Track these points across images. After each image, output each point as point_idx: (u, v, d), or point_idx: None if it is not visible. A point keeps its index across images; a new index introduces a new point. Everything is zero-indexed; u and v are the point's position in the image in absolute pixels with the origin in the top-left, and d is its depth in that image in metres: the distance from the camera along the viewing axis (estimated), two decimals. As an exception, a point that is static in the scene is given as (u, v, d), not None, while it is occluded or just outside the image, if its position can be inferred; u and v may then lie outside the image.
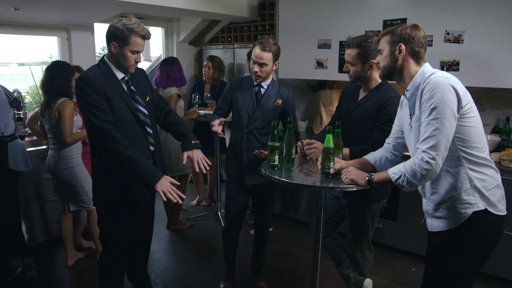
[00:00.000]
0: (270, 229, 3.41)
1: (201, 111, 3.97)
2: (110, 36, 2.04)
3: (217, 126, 2.58)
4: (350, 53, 2.21)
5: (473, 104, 1.67)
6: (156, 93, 2.44)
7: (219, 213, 4.19)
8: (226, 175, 2.81)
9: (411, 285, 3.01)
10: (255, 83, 2.61)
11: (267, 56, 2.49)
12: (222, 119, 2.65)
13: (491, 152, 3.00)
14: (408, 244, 3.38)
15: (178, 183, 2.11)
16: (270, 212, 2.87)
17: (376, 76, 2.21)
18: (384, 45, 1.80)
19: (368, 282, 2.55)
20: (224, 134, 2.66)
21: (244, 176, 2.65)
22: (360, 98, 2.32)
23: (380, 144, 2.08)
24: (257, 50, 2.50)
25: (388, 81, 2.18)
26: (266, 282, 3.00)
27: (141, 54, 2.12)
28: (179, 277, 3.18)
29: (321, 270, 2.95)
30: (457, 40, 3.13)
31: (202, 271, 3.24)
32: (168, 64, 3.76)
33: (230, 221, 2.79)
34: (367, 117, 2.24)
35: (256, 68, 2.52)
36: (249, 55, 3.23)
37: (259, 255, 2.95)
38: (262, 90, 2.62)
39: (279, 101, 2.62)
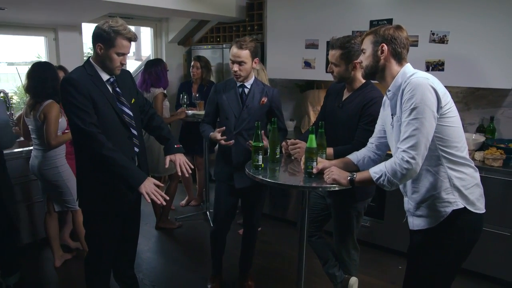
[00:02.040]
0: (259, 229, 3.42)
1: (189, 111, 3.97)
2: (96, 37, 2.04)
3: (218, 136, 2.49)
4: (333, 54, 2.23)
5: (453, 104, 1.70)
6: (142, 95, 2.44)
7: (207, 213, 4.20)
8: (215, 177, 2.79)
9: (398, 283, 3.04)
10: (238, 84, 2.60)
11: (245, 54, 2.47)
12: (221, 129, 2.52)
13: (475, 151, 3.04)
14: (394, 243, 3.41)
15: (162, 185, 2.13)
16: (259, 213, 2.86)
17: (359, 77, 2.22)
18: (367, 44, 1.82)
19: (353, 280, 2.57)
20: (229, 142, 2.51)
21: (234, 179, 2.63)
22: (344, 98, 2.34)
23: (363, 144, 2.11)
24: (234, 49, 2.48)
25: (372, 81, 2.21)
26: (254, 282, 3.00)
27: (127, 56, 2.12)
28: (167, 277, 3.18)
29: (309, 269, 2.98)
30: (442, 40, 3.17)
31: (190, 271, 3.25)
32: (147, 67, 3.73)
33: (219, 223, 2.79)
34: (351, 117, 2.26)
35: (235, 67, 2.50)
36: None
37: (247, 255, 2.95)
38: (246, 90, 2.60)
39: (264, 99, 2.60)
